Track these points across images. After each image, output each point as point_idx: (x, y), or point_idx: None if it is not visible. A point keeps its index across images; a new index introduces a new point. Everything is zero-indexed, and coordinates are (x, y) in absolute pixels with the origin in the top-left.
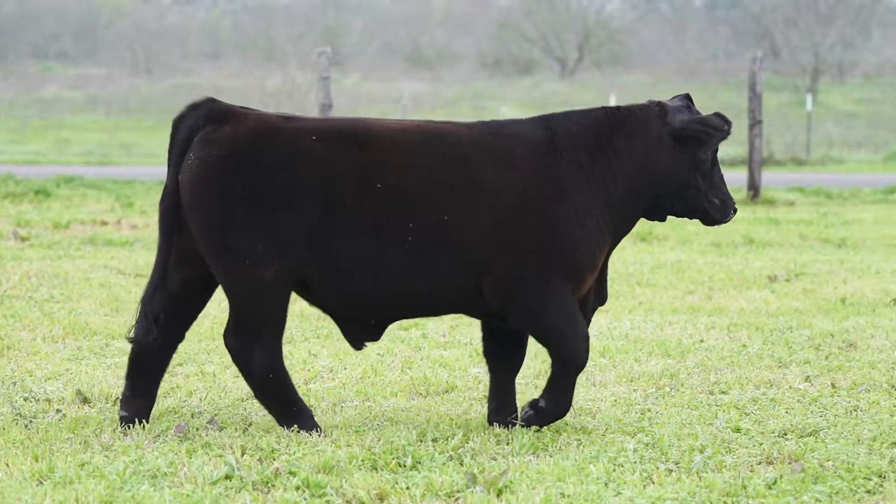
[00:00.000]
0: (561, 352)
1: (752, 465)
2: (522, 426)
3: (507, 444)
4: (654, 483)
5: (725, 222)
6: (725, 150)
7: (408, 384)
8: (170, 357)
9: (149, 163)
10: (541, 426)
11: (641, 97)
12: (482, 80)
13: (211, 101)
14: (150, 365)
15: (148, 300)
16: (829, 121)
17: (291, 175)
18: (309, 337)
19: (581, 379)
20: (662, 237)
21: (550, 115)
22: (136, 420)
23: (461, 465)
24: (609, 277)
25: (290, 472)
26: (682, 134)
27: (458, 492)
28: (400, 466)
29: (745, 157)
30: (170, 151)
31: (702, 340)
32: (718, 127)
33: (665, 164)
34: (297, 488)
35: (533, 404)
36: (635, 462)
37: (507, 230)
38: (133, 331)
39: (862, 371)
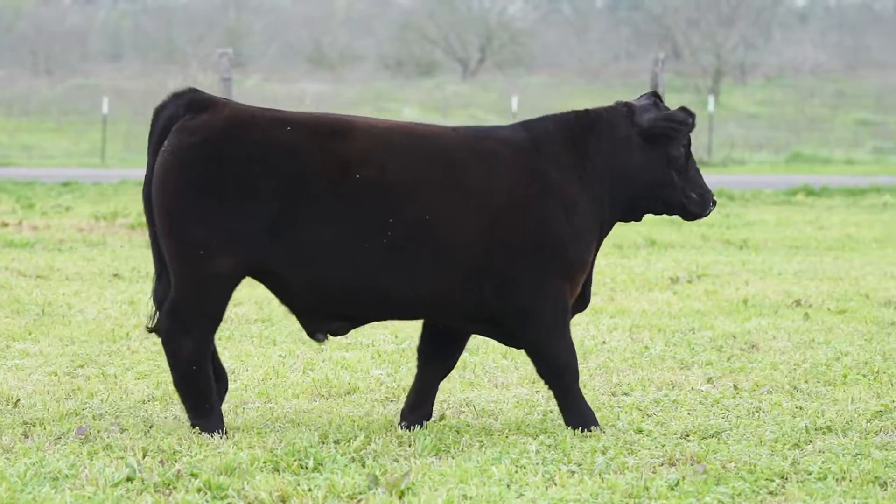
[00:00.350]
0: (553, 363)
1: (654, 467)
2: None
3: (410, 445)
4: (556, 484)
5: (705, 216)
6: None
7: (310, 386)
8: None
9: (50, 164)
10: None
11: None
12: (384, 80)
13: (192, 91)
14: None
15: (155, 289)
16: (730, 122)
17: (263, 165)
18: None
19: (483, 380)
20: None
21: (527, 121)
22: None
23: (363, 466)
24: None
25: (192, 474)
26: (650, 132)
27: (361, 494)
28: (302, 468)
29: None
30: (149, 140)
31: (604, 342)
32: (683, 121)
33: (636, 165)
34: (199, 490)
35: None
36: (538, 463)
37: (498, 232)
38: (153, 321)
39: (764, 372)
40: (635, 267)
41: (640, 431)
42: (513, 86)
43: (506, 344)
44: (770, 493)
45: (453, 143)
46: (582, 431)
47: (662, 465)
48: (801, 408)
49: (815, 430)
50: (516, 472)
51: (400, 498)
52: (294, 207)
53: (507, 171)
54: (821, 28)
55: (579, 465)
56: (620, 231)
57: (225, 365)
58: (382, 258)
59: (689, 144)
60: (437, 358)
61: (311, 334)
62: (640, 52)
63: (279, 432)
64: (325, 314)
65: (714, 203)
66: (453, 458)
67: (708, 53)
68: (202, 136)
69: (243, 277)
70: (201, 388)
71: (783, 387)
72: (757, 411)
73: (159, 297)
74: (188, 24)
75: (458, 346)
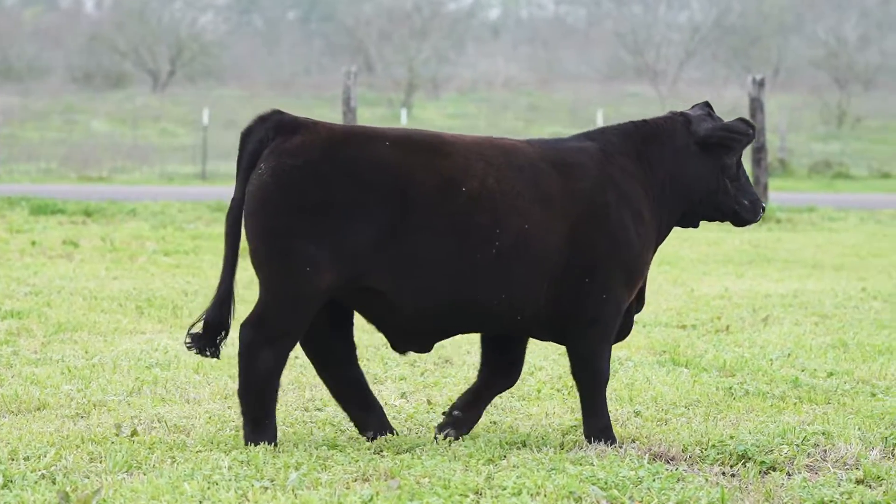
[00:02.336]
0: (596, 366)
1: (348, 483)
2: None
3: (101, 462)
4: (249, 501)
5: (756, 221)
6: None
7: None
8: (353, 367)
9: None
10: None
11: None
12: (73, 93)
13: (278, 113)
14: (345, 385)
15: (211, 313)
16: None
17: (366, 181)
18: None
19: (175, 396)
20: None
21: (588, 132)
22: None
23: (54, 483)
24: (203, 294)
25: None
26: (707, 142)
27: None
28: None
29: None
30: (238, 164)
31: (297, 357)
32: (743, 132)
33: (694, 172)
34: None
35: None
36: (230, 480)
37: (578, 239)
38: (191, 339)
39: (458, 387)
40: None
41: (333, 447)
42: (204, 98)
43: (547, 340)
44: None
45: (535, 155)
46: (598, 437)
47: (356, 480)
48: (495, 423)
49: (510, 445)
50: (209, 488)
51: None
52: (398, 223)
53: (586, 181)
54: (513, 41)
55: (272, 481)
56: None
57: None
58: (486, 271)
59: (741, 154)
60: (504, 369)
61: (401, 351)
62: (333, 64)
63: None
64: (420, 330)
65: (763, 209)
66: (145, 474)
67: (401, 66)
68: (304, 157)
69: (335, 295)
70: (268, 402)
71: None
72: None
73: (211, 320)
74: None
75: (521, 357)
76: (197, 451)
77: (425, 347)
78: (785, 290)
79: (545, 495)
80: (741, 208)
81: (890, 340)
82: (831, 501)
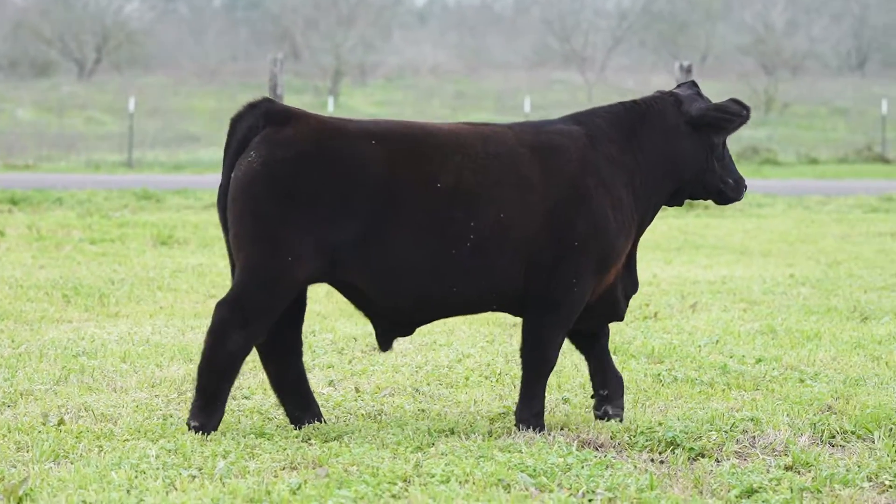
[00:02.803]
0: (546, 351)
1: (276, 471)
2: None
3: (28, 451)
4: (177, 489)
5: (739, 200)
6: None
7: None
8: (298, 362)
9: None
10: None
11: (162, 99)
12: None
13: (268, 101)
14: (287, 379)
15: None
16: None
17: (355, 176)
18: None
19: (102, 384)
20: (183, 241)
21: (576, 114)
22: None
23: None
24: (130, 283)
25: None
26: (700, 122)
27: None
28: None
29: None
30: (226, 149)
31: None
32: (737, 113)
33: (685, 152)
34: None
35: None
36: (158, 468)
37: (554, 224)
38: None
39: (386, 375)
40: None
41: (261, 435)
42: (130, 86)
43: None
44: (393, 496)
45: (514, 140)
46: (529, 423)
47: (284, 468)
48: (423, 410)
49: (438, 432)
50: (136, 476)
51: None
52: (382, 219)
53: (566, 165)
54: (440, 28)
55: (200, 470)
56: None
57: None
58: (464, 264)
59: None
60: (590, 336)
61: (382, 342)
62: (259, 52)
63: None
64: (402, 321)
65: (745, 188)
66: (72, 463)
67: (327, 54)
68: (296, 149)
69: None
70: (224, 384)
71: (405, 389)
72: (379, 414)
73: None
74: None
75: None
76: (124, 440)
77: (409, 333)
78: (713, 277)
79: (474, 483)
80: (726, 187)
81: (818, 326)
82: (760, 488)
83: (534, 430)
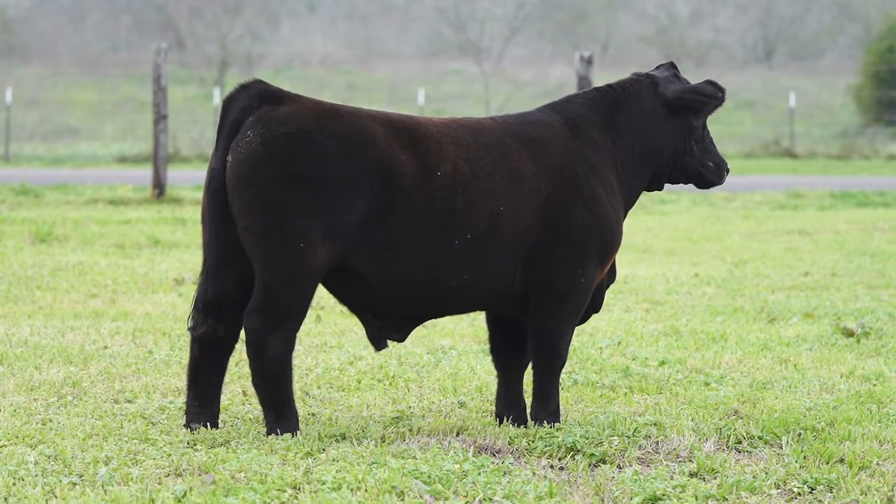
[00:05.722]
0: (557, 346)
1: (160, 478)
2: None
3: None
4: (56, 497)
5: (720, 184)
6: (130, 147)
7: None
8: (226, 359)
9: None
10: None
11: (40, 90)
12: None
13: (260, 83)
14: (207, 370)
15: (200, 291)
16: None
17: (357, 157)
18: None
19: None
20: (63, 238)
21: (553, 103)
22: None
23: None
24: (7, 281)
25: None
26: (676, 104)
27: None
28: None
29: (149, 154)
30: (219, 132)
31: (106, 347)
32: (712, 94)
33: (661, 135)
34: None
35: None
36: (37, 475)
37: (549, 216)
38: (194, 322)
39: None
40: (138, 268)
41: (145, 440)
42: (7, 77)
43: (511, 316)
44: (282, 503)
45: (500, 132)
46: (547, 420)
47: (169, 475)
48: (314, 414)
49: (329, 437)
50: (14, 484)
51: None
52: (383, 202)
53: (554, 155)
54: (331, 17)
55: (81, 477)
56: (122, 230)
57: None
58: (461, 254)
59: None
60: (511, 353)
61: (376, 341)
62: (142, 42)
63: None
64: (398, 314)
65: (728, 171)
66: None
67: (213, 44)
68: (295, 125)
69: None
70: (284, 387)
71: (294, 392)
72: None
73: (206, 298)
74: None
75: (524, 335)
76: (1, 446)
77: (403, 333)
78: None
79: (366, 490)
80: (706, 170)
81: (724, 327)
82: (664, 495)
83: (552, 426)
